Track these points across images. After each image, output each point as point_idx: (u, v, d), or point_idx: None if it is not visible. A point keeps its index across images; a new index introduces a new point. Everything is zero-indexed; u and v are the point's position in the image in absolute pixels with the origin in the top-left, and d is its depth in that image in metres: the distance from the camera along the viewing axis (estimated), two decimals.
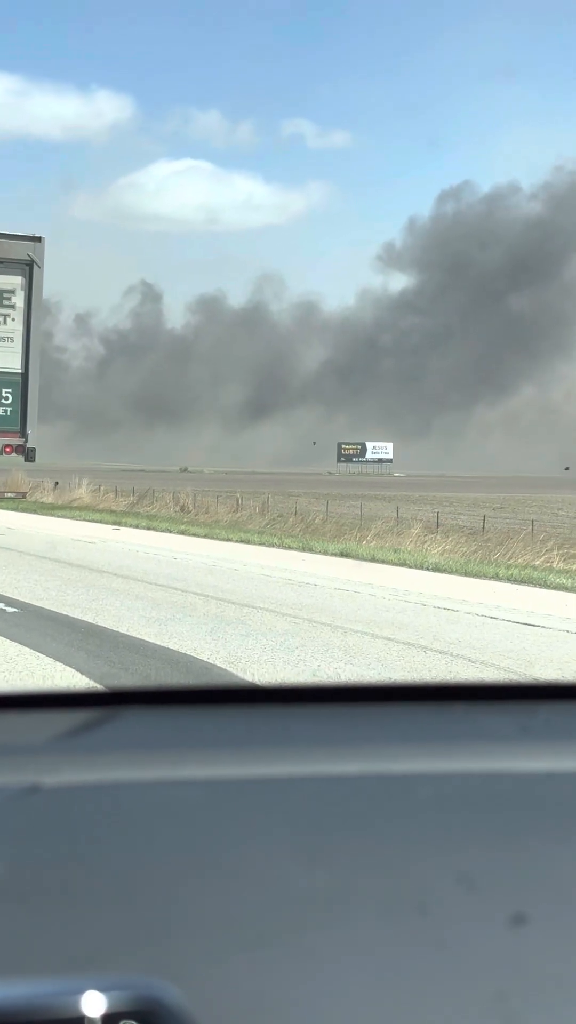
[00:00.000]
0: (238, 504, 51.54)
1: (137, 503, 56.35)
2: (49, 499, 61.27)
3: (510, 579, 25.85)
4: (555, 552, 30.50)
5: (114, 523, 44.39)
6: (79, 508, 54.77)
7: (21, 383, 35.83)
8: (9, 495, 50.11)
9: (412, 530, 36.59)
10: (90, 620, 16.72)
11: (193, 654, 13.99)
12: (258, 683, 12.06)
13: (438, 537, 35.21)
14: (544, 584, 24.80)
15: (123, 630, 15.81)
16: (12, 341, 35.58)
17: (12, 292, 35.44)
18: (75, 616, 17.11)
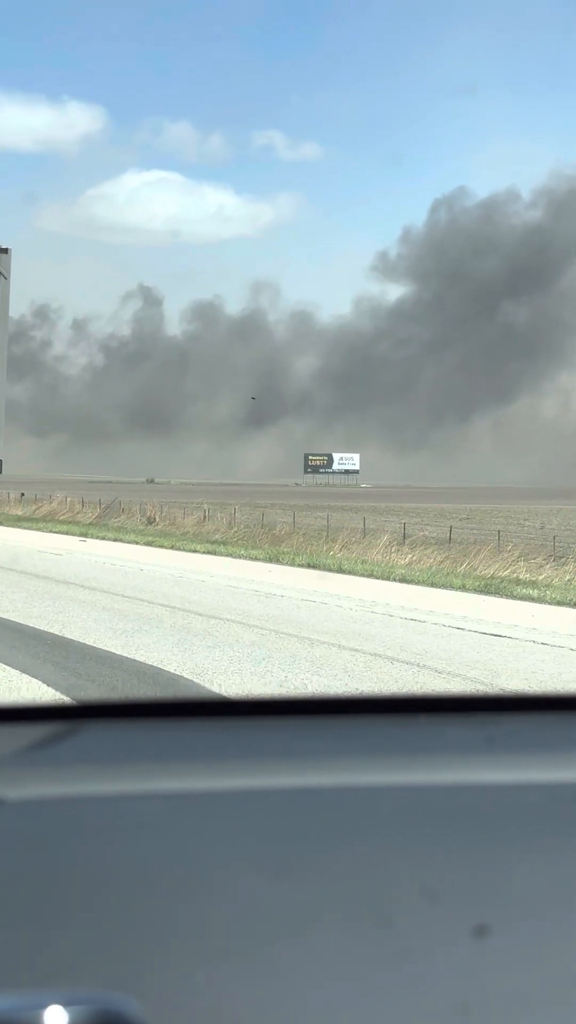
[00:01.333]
0: (205, 516, 51.49)
1: (104, 515, 56.20)
2: (16, 511, 61.08)
3: (476, 590, 25.91)
4: (521, 563, 30.58)
5: (81, 535, 44.29)
6: (46, 520, 54.61)
7: None
8: None
9: (379, 541, 36.62)
10: (56, 632, 16.66)
11: (160, 665, 13.96)
12: (224, 695, 12.05)
13: (405, 548, 35.25)
14: (510, 595, 24.86)
15: (90, 642, 15.76)
16: None
17: None
18: (41, 628, 17.05)
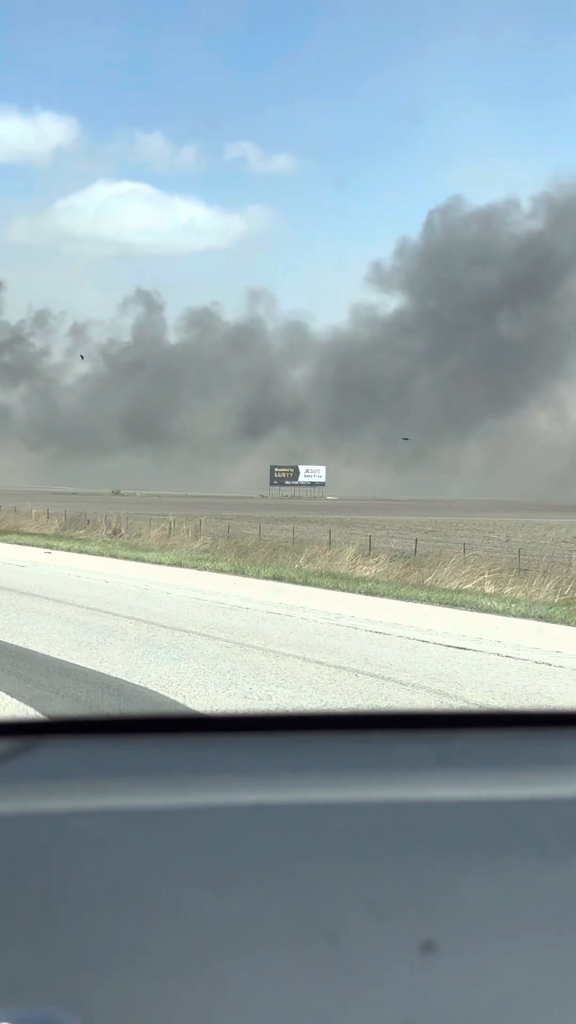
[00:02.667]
0: (171, 527, 51.44)
1: (69, 526, 56.08)
2: None
3: (441, 602, 25.97)
4: (486, 575, 30.68)
5: (45, 546, 44.18)
6: (9, 531, 54.44)
7: None
8: None
9: (344, 554, 36.66)
10: (20, 644, 16.62)
11: (124, 678, 13.94)
12: (184, 709, 12.04)
13: (370, 560, 35.30)
14: (475, 607, 24.94)
15: (54, 654, 15.73)
16: None
17: None
18: (4, 640, 17.00)
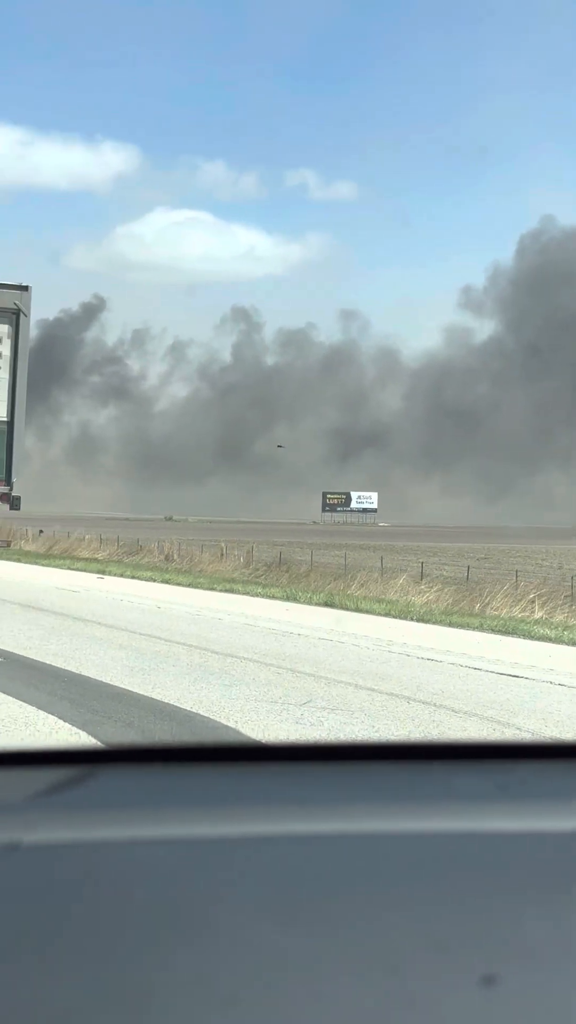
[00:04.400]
0: (222, 553, 51.52)
1: (122, 552, 56.26)
2: (33, 547, 61.18)
3: (493, 629, 25.86)
4: (537, 603, 30.53)
5: (98, 572, 44.33)
6: (63, 557, 54.69)
7: (7, 431, 35.85)
8: None
9: (396, 580, 36.59)
10: (73, 669, 16.67)
11: (176, 703, 13.96)
12: (241, 738, 12.03)
13: (422, 587, 35.21)
14: (527, 635, 24.80)
15: (106, 679, 15.77)
16: None
17: None
18: (58, 665, 17.06)
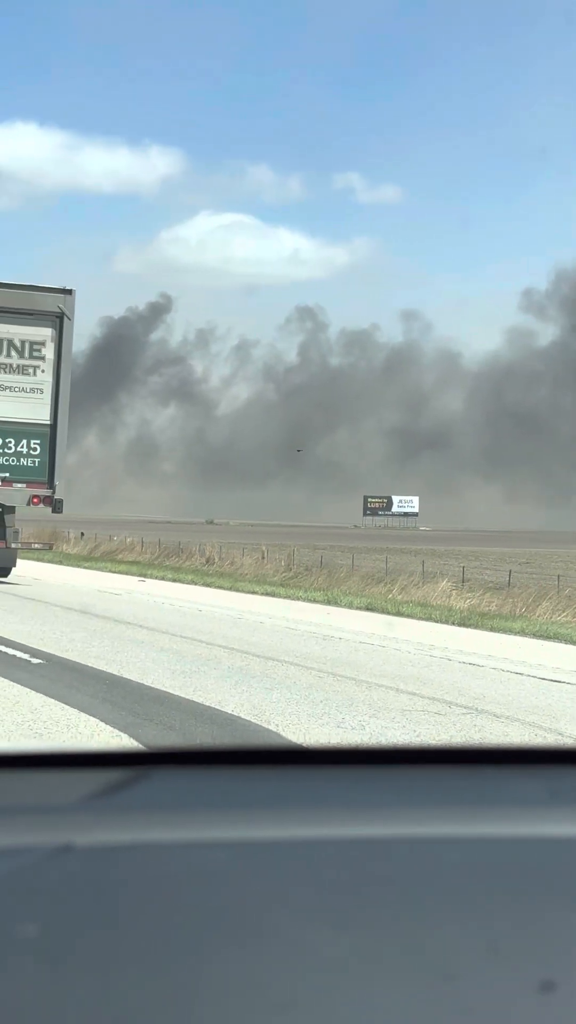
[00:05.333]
0: (263, 556, 51.55)
1: (163, 555, 56.38)
2: (75, 550, 61.39)
3: (535, 634, 25.76)
4: None
5: (140, 575, 44.44)
6: (106, 559, 54.85)
7: (50, 434, 35.93)
8: (35, 546, 50.16)
9: (438, 584, 36.49)
10: (115, 672, 16.71)
11: (218, 706, 13.97)
12: (288, 741, 12.03)
13: (464, 591, 35.12)
14: (570, 640, 24.69)
15: (148, 682, 15.80)
16: (42, 393, 35.73)
17: (42, 344, 35.60)
18: (100, 668, 17.10)
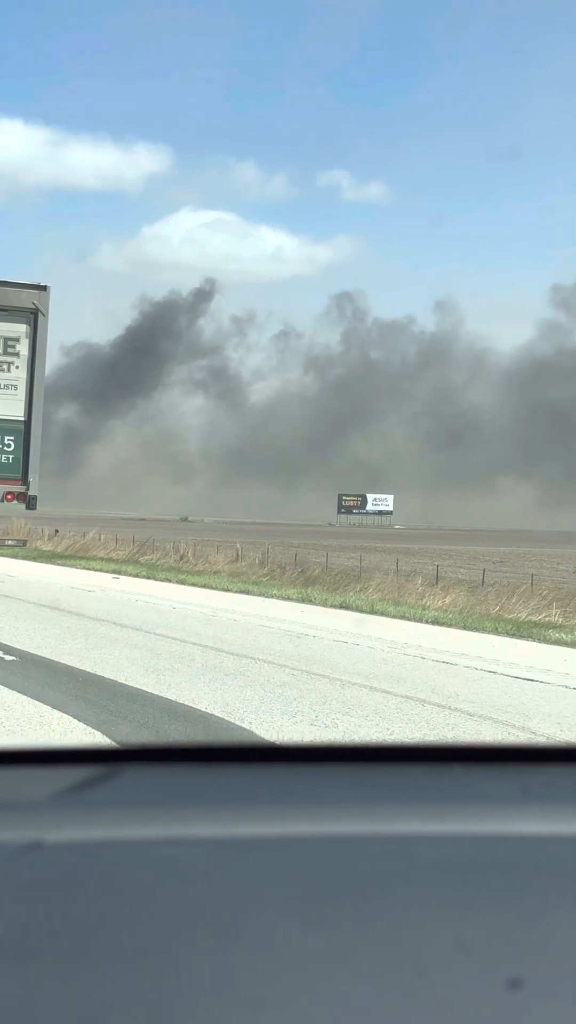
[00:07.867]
0: (238, 554, 51.49)
1: (137, 552, 56.26)
2: (49, 547, 61.21)
3: (509, 633, 25.80)
4: (554, 607, 30.45)
5: (114, 572, 44.33)
6: (78, 556, 54.71)
7: (24, 431, 35.79)
8: (9, 542, 50.00)
9: (411, 583, 36.52)
10: (88, 669, 16.68)
11: (191, 704, 13.96)
12: (260, 739, 12.03)
13: (437, 590, 35.15)
14: (543, 639, 24.75)
15: (121, 679, 15.78)
16: (16, 389, 35.59)
17: (16, 340, 35.45)
18: (73, 665, 17.07)
